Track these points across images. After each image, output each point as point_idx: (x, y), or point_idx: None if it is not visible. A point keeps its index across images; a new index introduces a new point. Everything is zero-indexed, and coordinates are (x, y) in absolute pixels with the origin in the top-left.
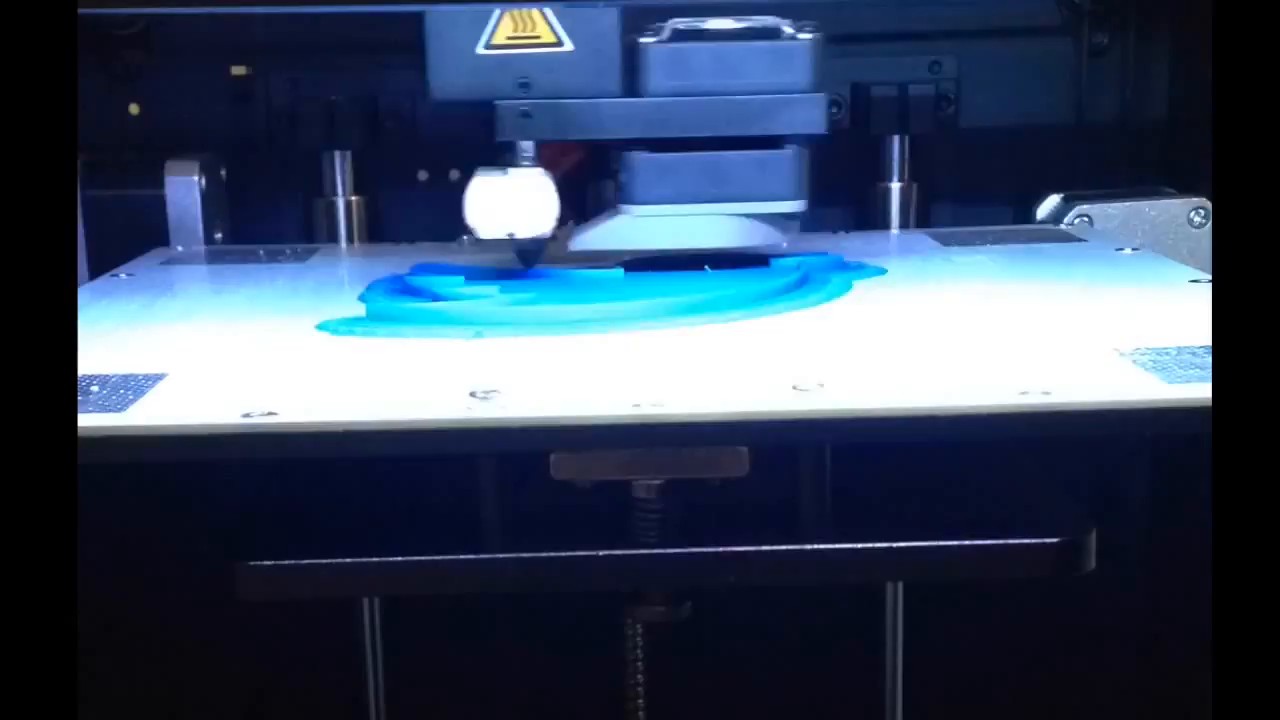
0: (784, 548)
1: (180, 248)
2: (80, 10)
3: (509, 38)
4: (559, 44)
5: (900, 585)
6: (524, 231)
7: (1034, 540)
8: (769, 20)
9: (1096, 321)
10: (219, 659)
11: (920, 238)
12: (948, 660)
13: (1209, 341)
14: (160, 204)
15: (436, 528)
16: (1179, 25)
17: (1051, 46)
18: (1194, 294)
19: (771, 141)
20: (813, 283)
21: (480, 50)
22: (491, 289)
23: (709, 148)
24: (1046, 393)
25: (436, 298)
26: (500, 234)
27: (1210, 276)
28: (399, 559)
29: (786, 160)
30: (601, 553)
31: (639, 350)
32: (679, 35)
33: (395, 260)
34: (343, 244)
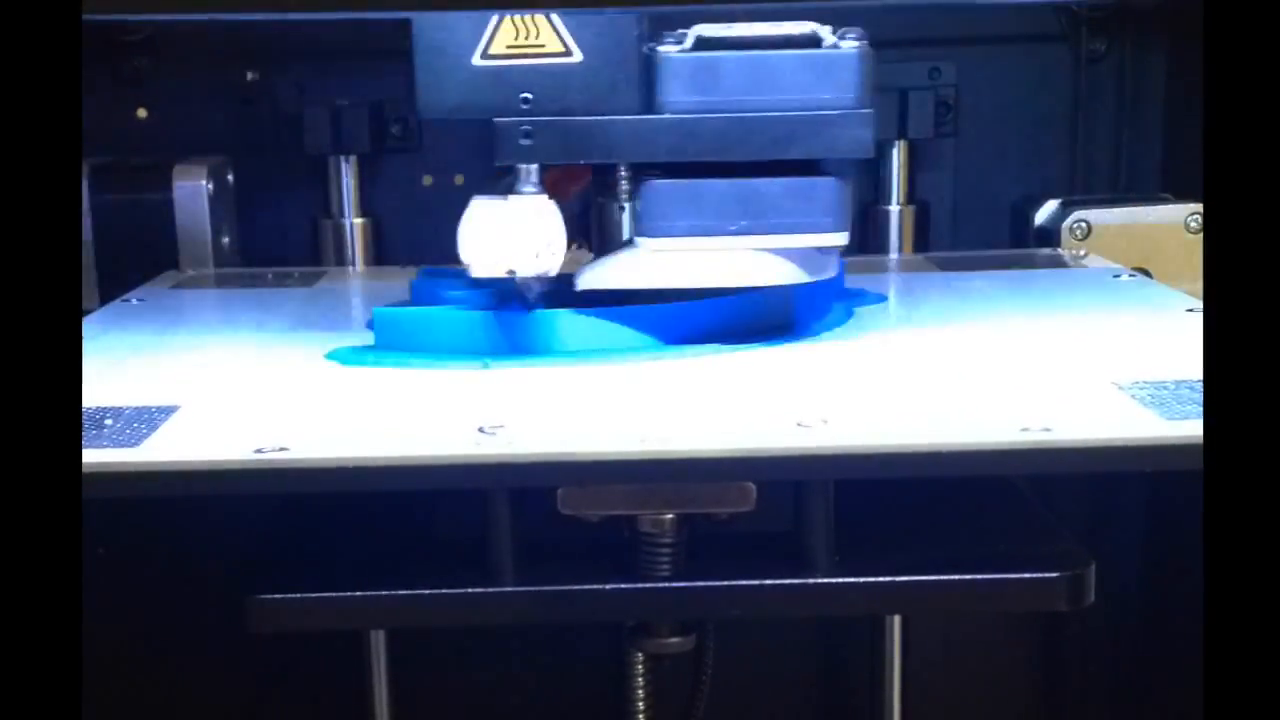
0: (793, 581)
1: (191, 270)
2: (85, 16)
3: (509, 46)
4: (567, 54)
5: (899, 617)
6: (526, 269)
7: (1040, 575)
8: (807, 26)
9: (1094, 353)
10: (228, 690)
11: (919, 262)
12: (946, 688)
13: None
14: (168, 208)
15: (445, 560)
16: (1176, 32)
17: (1049, 53)
18: (1190, 323)
19: (807, 166)
20: (814, 311)
21: (476, 61)
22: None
23: (738, 173)
24: (1047, 429)
25: (442, 302)
26: (498, 271)
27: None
28: (408, 592)
29: (829, 188)
30: (609, 586)
31: (644, 382)
32: (704, 44)
33: (401, 284)
34: (350, 266)
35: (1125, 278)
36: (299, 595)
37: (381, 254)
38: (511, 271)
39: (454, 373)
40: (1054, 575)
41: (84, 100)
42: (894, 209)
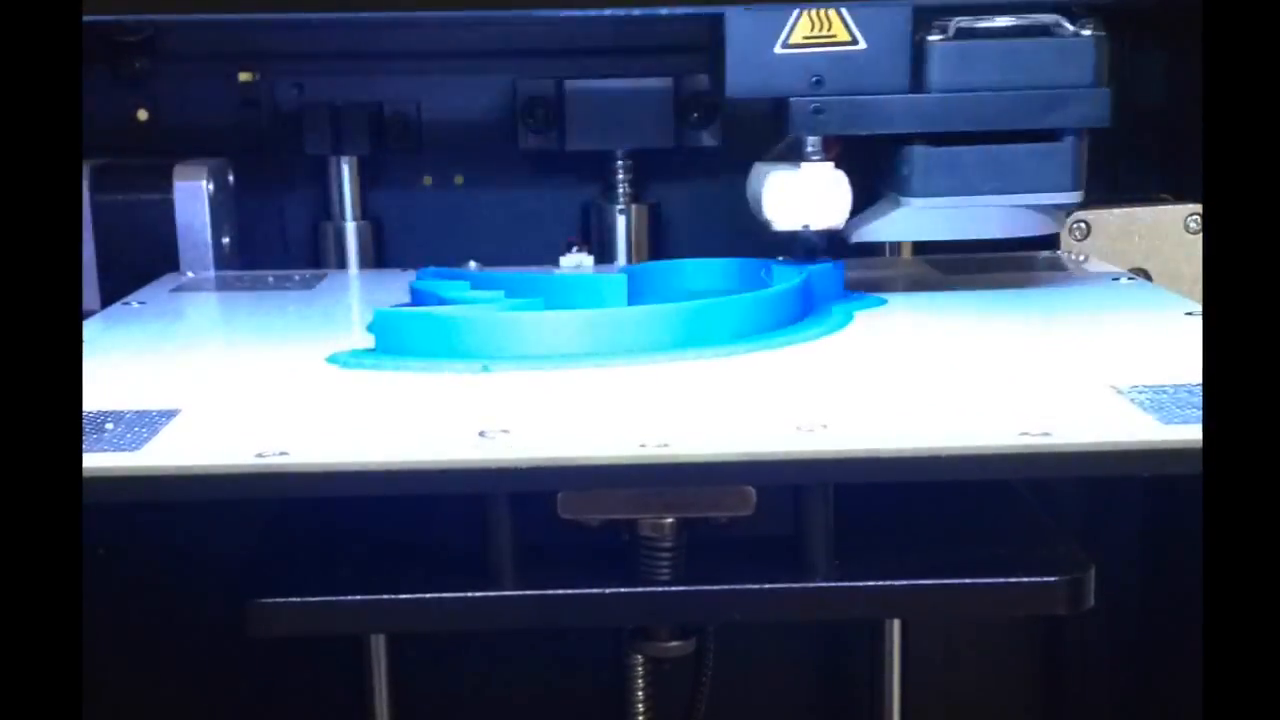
0: (793, 586)
1: (191, 273)
2: (86, 17)
3: (806, 37)
4: (854, 42)
5: (898, 621)
6: (818, 223)
7: (1039, 579)
8: (1048, 18)
9: (1093, 356)
10: (228, 695)
11: (919, 264)
12: (946, 691)
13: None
14: (169, 208)
15: (445, 564)
16: (1174, 32)
17: None
18: (1189, 327)
19: (1048, 134)
20: (815, 314)
21: (778, 49)
22: (497, 294)
23: (988, 141)
24: (1046, 433)
25: (443, 303)
26: (795, 225)
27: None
28: (409, 596)
29: (1065, 151)
30: (609, 590)
31: (643, 385)
32: (964, 33)
33: (401, 287)
34: (350, 269)
35: (1124, 281)
36: (299, 600)
37: (382, 255)
38: (805, 225)
39: (454, 376)
40: (1053, 579)
41: (84, 101)
42: None
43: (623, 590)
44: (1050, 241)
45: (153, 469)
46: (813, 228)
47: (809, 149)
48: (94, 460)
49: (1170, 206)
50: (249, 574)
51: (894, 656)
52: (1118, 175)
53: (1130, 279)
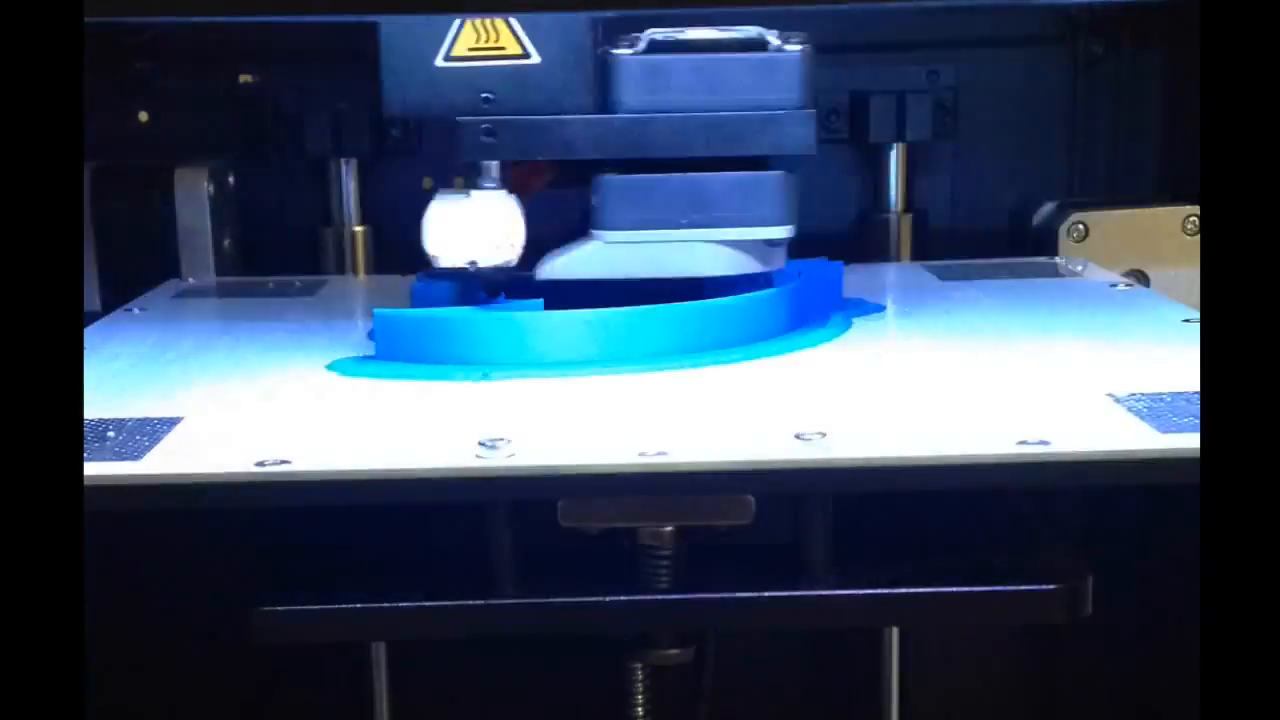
0: (792, 593)
1: (192, 279)
2: (87, 19)
3: (471, 49)
4: (525, 56)
5: (896, 629)
6: (487, 259)
7: (1037, 587)
8: (753, 30)
9: (1091, 364)
10: (229, 702)
11: (917, 271)
12: (943, 699)
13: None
14: (170, 210)
15: (446, 572)
16: (1173, 34)
17: (1047, 56)
18: (1187, 334)
19: (757, 162)
20: (814, 321)
21: (439, 62)
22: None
23: (689, 169)
24: (1044, 442)
25: (442, 304)
26: (460, 262)
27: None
28: (411, 604)
29: (774, 182)
30: (609, 598)
31: (643, 393)
32: (656, 47)
33: (403, 292)
34: (351, 274)
35: (1122, 287)
36: (301, 608)
37: (381, 256)
38: (473, 262)
39: (454, 384)
40: (1051, 587)
41: (85, 103)
42: (892, 216)
43: (623, 598)
44: (1047, 241)
45: (154, 478)
46: (480, 264)
47: (484, 175)
48: (95, 469)
49: (1168, 208)
50: (251, 582)
51: (893, 664)
52: (1116, 176)
53: (1128, 285)
